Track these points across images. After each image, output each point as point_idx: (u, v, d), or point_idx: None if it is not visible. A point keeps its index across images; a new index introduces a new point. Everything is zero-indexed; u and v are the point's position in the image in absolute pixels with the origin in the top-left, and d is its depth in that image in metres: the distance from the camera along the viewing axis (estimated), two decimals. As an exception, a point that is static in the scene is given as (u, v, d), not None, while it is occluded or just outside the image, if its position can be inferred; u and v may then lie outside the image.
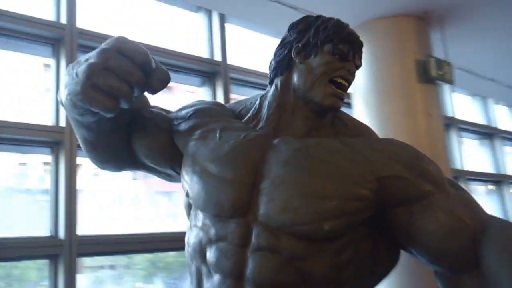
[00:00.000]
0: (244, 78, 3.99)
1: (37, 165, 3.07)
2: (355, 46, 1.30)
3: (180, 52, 3.68)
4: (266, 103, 1.34)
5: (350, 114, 1.42)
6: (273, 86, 1.34)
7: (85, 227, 2.88)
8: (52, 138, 2.82)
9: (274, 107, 1.31)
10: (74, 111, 1.14)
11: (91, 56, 1.08)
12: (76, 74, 1.06)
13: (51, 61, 2.98)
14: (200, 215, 1.22)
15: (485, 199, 6.41)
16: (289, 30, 1.37)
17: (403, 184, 1.12)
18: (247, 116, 1.37)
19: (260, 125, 1.31)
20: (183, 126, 1.34)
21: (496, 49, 4.73)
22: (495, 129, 6.74)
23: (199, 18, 4.04)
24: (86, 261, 2.99)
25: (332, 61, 1.26)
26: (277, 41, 1.38)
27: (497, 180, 6.55)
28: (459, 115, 6.17)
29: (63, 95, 1.13)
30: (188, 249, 1.26)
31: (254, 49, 4.32)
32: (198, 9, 4.03)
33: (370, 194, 1.11)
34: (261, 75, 3.99)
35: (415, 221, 1.10)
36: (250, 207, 1.14)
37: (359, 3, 3.72)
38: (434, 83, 3.93)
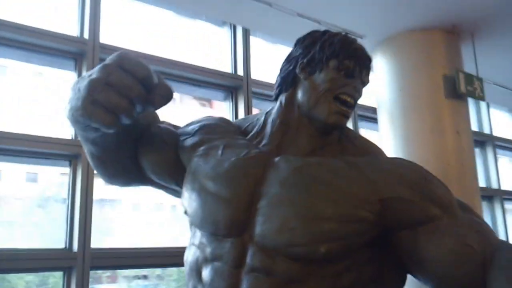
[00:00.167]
0: (266, 92, 3.97)
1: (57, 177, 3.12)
2: (362, 62, 1.25)
3: (203, 67, 3.71)
4: (270, 119, 1.31)
5: (358, 132, 1.36)
6: (278, 103, 1.32)
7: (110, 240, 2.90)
8: (70, 152, 2.86)
9: (278, 124, 1.28)
10: (77, 126, 1.15)
11: (94, 71, 1.08)
12: (79, 90, 1.06)
13: (74, 75, 3.05)
14: (198, 234, 1.20)
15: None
16: (295, 45, 1.35)
17: (407, 206, 1.07)
18: (252, 133, 1.34)
19: (264, 142, 1.28)
20: (188, 142, 1.33)
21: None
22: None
23: (224, 33, 4.06)
24: (123, 271, 2.99)
25: (337, 78, 1.22)
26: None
27: (534, 200, 6.26)
28: (496, 132, 5.96)
29: (67, 110, 1.13)
30: (186, 267, 1.25)
31: (277, 63, 4.29)
32: (223, 23, 4.06)
33: (371, 216, 1.06)
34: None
35: (420, 245, 1.05)
36: (246, 227, 1.11)
37: (386, 16, 3.67)
38: (463, 99, 3.80)
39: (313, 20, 3.44)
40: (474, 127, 5.85)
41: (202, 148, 1.29)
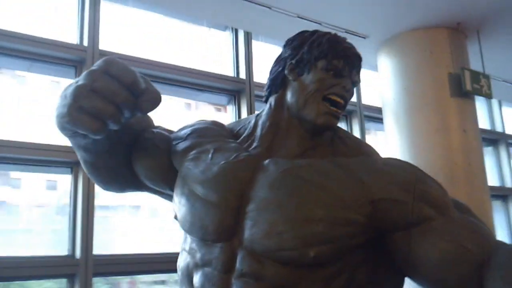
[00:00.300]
0: (270, 95, 3.94)
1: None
2: (351, 61, 1.23)
3: (205, 71, 3.71)
4: (260, 122, 1.30)
5: (350, 132, 1.34)
6: (268, 105, 1.30)
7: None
8: (72, 159, 2.86)
9: (268, 126, 1.26)
10: (64, 133, 1.14)
11: (80, 78, 1.07)
12: (65, 96, 1.06)
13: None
14: (188, 239, 1.19)
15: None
16: (284, 46, 1.34)
17: (399, 208, 1.04)
18: (243, 136, 1.33)
19: (254, 145, 1.27)
20: (180, 146, 1.32)
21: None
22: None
23: (226, 37, 4.06)
24: (142, 277, 3.00)
25: (326, 78, 1.21)
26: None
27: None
28: (509, 130, 5.87)
29: (54, 117, 1.12)
30: (178, 273, 1.23)
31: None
32: (225, 28, 4.06)
33: (362, 218, 1.04)
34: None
35: (414, 247, 1.02)
36: (235, 231, 1.10)
37: (388, 16, 3.63)
38: (469, 97, 3.74)
39: (314, 22, 3.41)
40: (486, 125, 5.78)
41: (193, 152, 1.27)
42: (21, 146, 2.75)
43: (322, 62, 1.21)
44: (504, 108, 6.00)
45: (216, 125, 1.44)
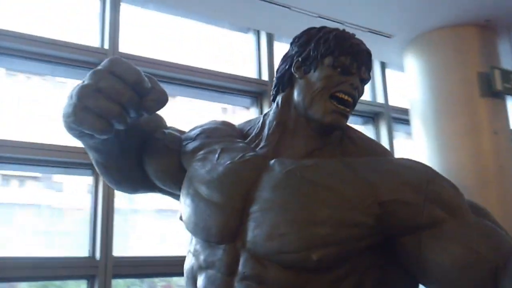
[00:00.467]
0: (292, 97, 3.91)
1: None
2: (360, 57, 1.19)
3: (228, 73, 3.71)
4: (268, 121, 1.28)
5: (362, 131, 1.29)
6: (275, 104, 1.28)
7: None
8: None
9: (275, 125, 1.24)
10: (71, 132, 1.14)
11: (86, 78, 1.07)
12: (71, 97, 1.06)
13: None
14: (194, 241, 1.19)
15: None
16: (291, 44, 1.32)
17: (408, 209, 1.00)
18: (251, 136, 1.31)
19: (261, 145, 1.25)
20: (189, 147, 1.31)
21: None
22: None
23: (248, 39, 4.05)
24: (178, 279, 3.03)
25: (332, 75, 1.17)
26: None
27: None
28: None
29: (61, 117, 1.13)
30: (184, 275, 1.23)
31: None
32: (247, 29, 4.05)
33: (369, 220, 1.00)
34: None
35: (424, 252, 0.98)
36: (239, 233, 1.08)
37: (414, 14, 3.55)
38: (500, 97, 3.61)
39: (336, 21, 3.35)
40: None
41: (201, 152, 1.27)
42: (42, 148, 2.81)
43: (329, 59, 1.17)
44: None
45: (225, 125, 1.43)
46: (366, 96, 4.36)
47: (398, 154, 4.08)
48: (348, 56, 1.17)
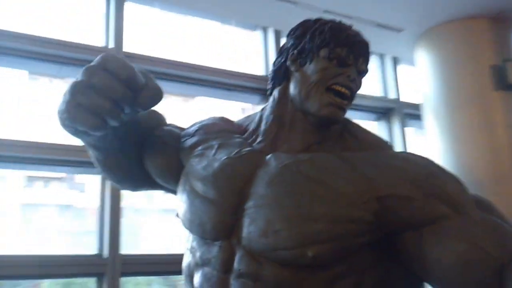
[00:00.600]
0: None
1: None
2: (356, 49, 1.18)
3: (235, 71, 3.68)
4: (264, 116, 1.27)
5: (362, 126, 1.25)
6: (271, 98, 1.27)
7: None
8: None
9: (271, 120, 1.23)
10: (66, 129, 1.14)
11: (78, 74, 1.07)
12: (65, 94, 1.07)
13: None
14: (190, 238, 1.18)
15: None
16: (287, 36, 1.31)
17: (408, 205, 0.98)
18: (249, 131, 1.30)
19: (258, 139, 1.24)
20: (188, 143, 1.31)
21: None
22: None
23: (255, 36, 4.03)
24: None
25: (328, 67, 1.16)
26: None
27: None
28: None
29: (56, 115, 1.13)
30: (182, 273, 1.22)
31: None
32: (255, 27, 4.03)
33: (367, 216, 0.98)
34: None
35: (426, 249, 0.96)
36: (234, 229, 1.07)
37: (424, 7, 3.48)
38: (515, 90, 3.52)
39: (343, 16, 3.30)
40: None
41: (199, 148, 1.27)
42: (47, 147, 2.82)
43: (324, 50, 1.16)
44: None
45: (224, 121, 1.43)
46: (378, 92, 4.31)
47: (411, 149, 4.01)
48: (344, 47, 1.16)
